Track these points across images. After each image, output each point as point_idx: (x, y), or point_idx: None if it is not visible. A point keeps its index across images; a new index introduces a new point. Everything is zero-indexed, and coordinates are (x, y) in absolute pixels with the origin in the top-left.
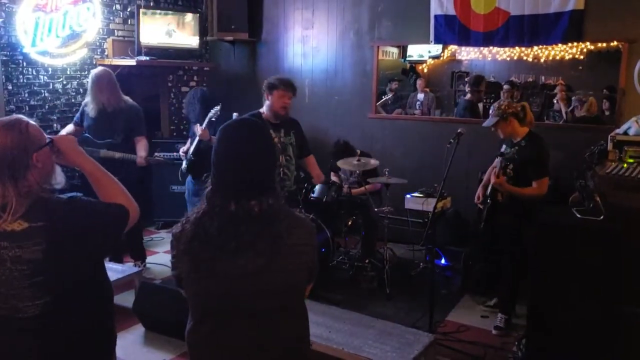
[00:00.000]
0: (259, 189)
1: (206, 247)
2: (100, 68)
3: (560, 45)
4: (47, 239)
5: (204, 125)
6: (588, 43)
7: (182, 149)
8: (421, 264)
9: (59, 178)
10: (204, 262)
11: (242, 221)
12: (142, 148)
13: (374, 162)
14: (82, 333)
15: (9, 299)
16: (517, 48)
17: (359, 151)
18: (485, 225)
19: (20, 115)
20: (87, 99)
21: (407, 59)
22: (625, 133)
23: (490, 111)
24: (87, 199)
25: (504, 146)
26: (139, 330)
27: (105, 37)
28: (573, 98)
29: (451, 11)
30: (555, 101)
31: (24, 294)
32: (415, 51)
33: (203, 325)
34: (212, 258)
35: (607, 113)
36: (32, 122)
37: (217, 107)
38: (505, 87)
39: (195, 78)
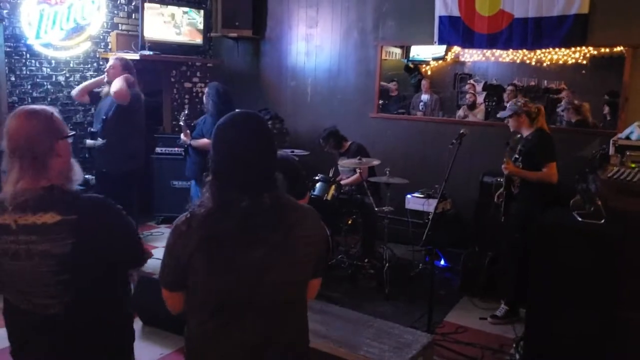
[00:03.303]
0: (268, 181)
1: (223, 245)
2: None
3: (563, 49)
4: (78, 233)
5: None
6: (591, 48)
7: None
8: (420, 264)
9: (79, 175)
10: (220, 259)
11: (257, 215)
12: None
13: (376, 161)
14: (102, 332)
15: (34, 295)
16: (520, 51)
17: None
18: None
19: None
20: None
21: (410, 59)
22: (628, 138)
23: (509, 105)
24: (119, 207)
25: (509, 143)
26: (136, 324)
27: (109, 30)
28: (563, 101)
29: (455, 12)
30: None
31: (49, 292)
32: (417, 52)
33: (212, 321)
34: (229, 255)
35: (608, 118)
36: (55, 113)
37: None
38: (509, 88)
39: (198, 74)
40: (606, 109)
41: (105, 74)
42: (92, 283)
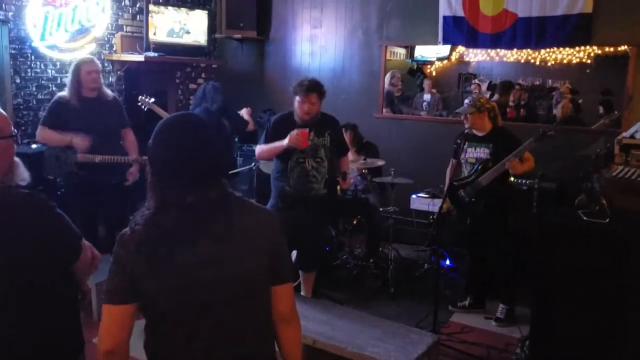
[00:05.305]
0: (215, 177)
1: (162, 243)
2: (89, 56)
3: (567, 48)
4: None
5: None
6: (595, 47)
7: None
8: (426, 264)
9: (24, 174)
10: (161, 258)
11: (201, 210)
12: (133, 147)
13: (380, 162)
14: (41, 335)
15: None
16: (524, 51)
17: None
18: (473, 221)
19: None
20: (68, 92)
21: (415, 59)
22: (632, 137)
23: (467, 101)
24: (51, 202)
25: (464, 142)
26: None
27: (114, 32)
28: (554, 93)
29: (460, 12)
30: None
31: None
32: (421, 52)
33: (161, 326)
34: (170, 252)
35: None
36: (2, 111)
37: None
38: (516, 87)
39: (203, 75)
40: (601, 109)
41: (95, 80)
42: (22, 283)
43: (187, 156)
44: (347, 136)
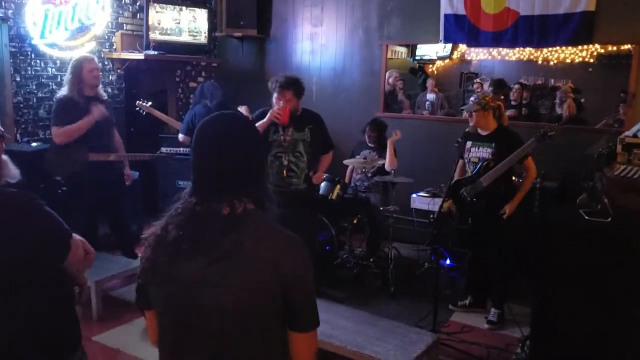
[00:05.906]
0: (232, 190)
1: (165, 250)
2: (89, 54)
3: (570, 47)
4: None
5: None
6: (598, 46)
7: None
8: (426, 264)
9: (13, 172)
10: (162, 266)
11: (205, 222)
12: (120, 144)
13: (381, 161)
14: (40, 332)
15: None
16: (526, 49)
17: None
18: (474, 221)
19: None
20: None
21: (416, 58)
22: (635, 136)
23: (472, 99)
24: (39, 201)
25: (468, 142)
26: (142, 323)
27: (114, 30)
28: (558, 92)
29: (461, 10)
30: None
31: None
32: (423, 51)
33: (163, 341)
34: (169, 262)
35: (623, 118)
36: None
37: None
38: (516, 86)
39: (203, 74)
40: (622, 108)
41: (96, 78)
42: (21, 281)
43: (201, 163)
44: (376, 133)
